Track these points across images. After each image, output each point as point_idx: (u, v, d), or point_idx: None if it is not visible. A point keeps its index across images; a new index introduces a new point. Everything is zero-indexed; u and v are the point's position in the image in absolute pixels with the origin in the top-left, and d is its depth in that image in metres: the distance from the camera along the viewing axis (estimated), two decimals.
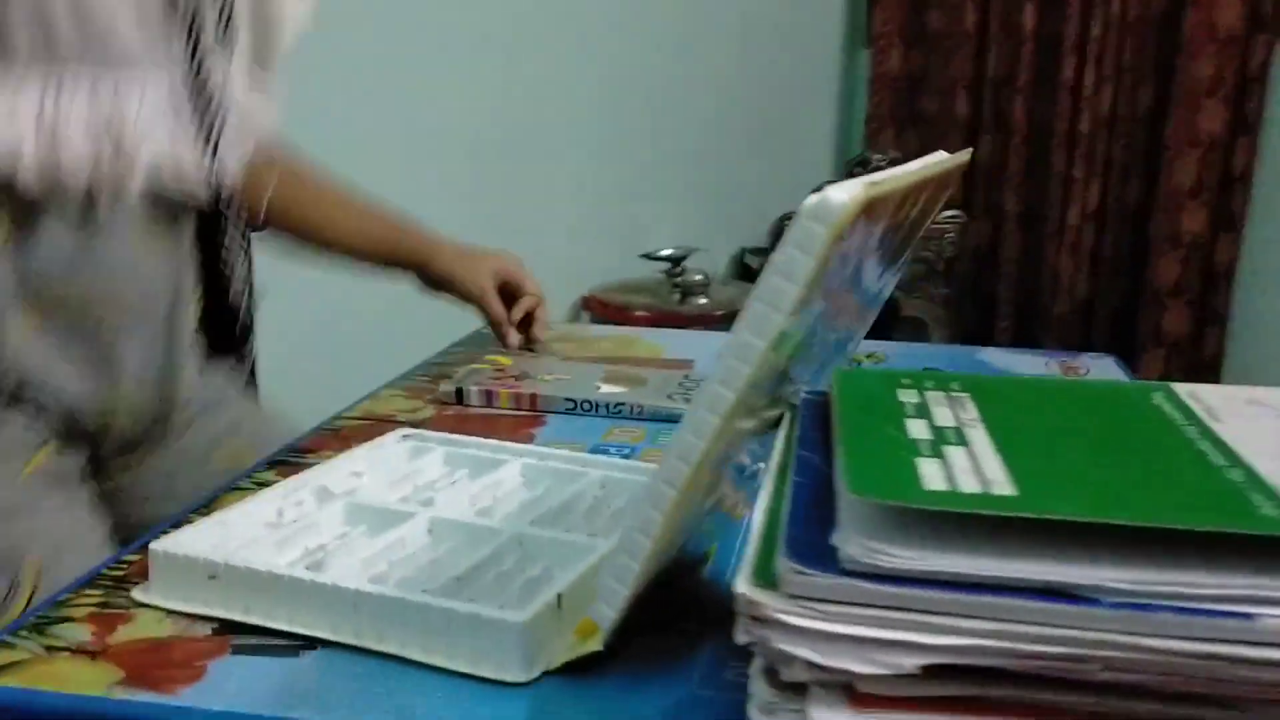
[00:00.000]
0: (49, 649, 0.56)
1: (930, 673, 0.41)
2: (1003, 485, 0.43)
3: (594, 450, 0.85)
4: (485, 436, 0.83)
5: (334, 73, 2.08)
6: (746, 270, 3.01)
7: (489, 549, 0.63)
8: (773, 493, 0.49)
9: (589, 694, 0.53)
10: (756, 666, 0.44)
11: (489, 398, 0.96)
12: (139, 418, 0.91)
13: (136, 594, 0.61)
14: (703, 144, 2.92)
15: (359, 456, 0.76)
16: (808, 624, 0.41)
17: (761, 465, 0.54)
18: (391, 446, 0.79)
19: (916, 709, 0.42)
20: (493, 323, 1.14)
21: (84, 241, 0.83)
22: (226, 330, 1.02)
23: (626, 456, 0.83)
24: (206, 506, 0.73)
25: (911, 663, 0.41)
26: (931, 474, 0.44)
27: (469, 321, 1.21)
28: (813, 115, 3.25)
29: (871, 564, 0.41)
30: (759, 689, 0.44)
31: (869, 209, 0.49)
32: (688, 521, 0.54)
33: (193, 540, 0.63)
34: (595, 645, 0.53)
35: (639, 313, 2.52)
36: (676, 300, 2.59)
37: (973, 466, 0.45)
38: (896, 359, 1.18)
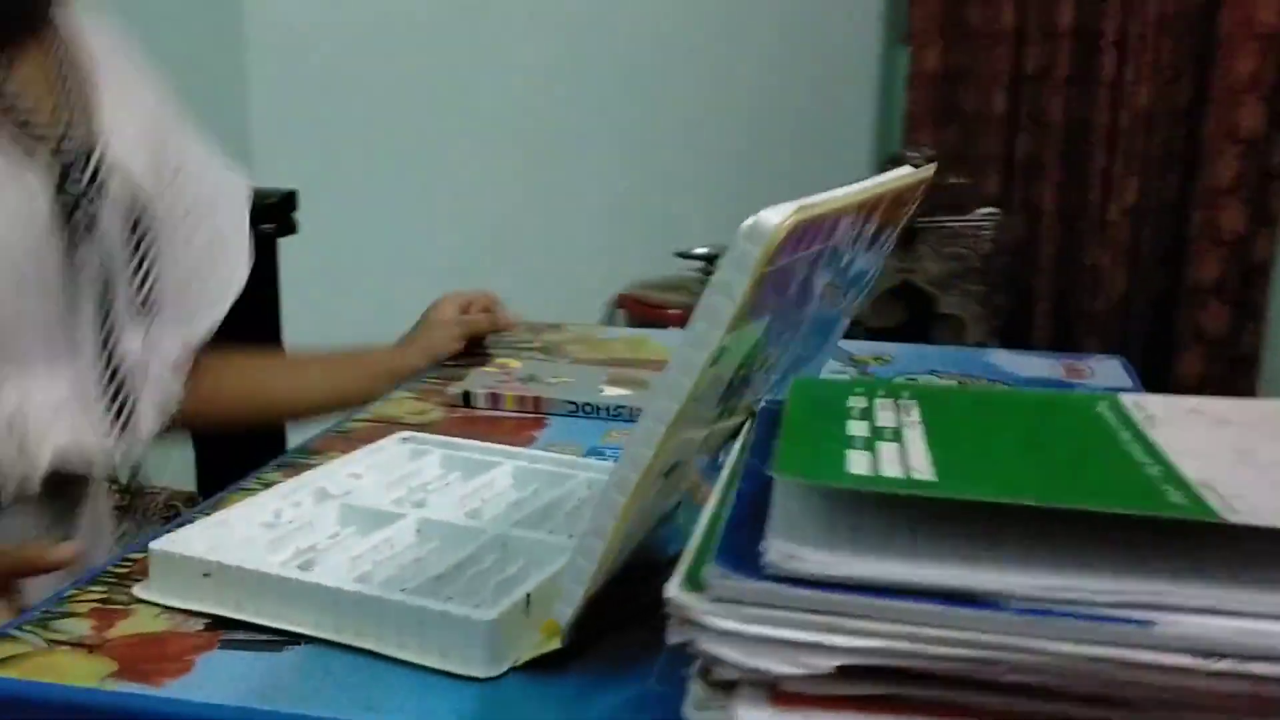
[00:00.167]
0: (50, 642, 0.60)
1: (848, 673, 0.44)
2: (924, 473, 0.46)
3: (590, 452, 0.88)
4: (488, 438, 0.86)
5: (376, 77, 2.13)
6: None
7: (470, 549, 0.66)
8: (718, 499, 0.51)
9: (550, 689, 0.56)
10: (695, 666, 0.47)
11: (495, 400, 1.00)
12: None
13: (137, 590, 0.65)
14: (740, 141, 2.94)
15: (359, 459, 0.80)
16: (731, 626, 0.44)
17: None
18: (391, 449, 0.82)
19: (836, 707, 0.44)
20: (479, 329, 1.18)
21: None
22: None
23: None
24: (212, 507, 0.77)
25: (827, 663, 0.43)
26: (858, 462, 0.46)
27: None
28: (851, 112, 3.26)
29: (790, 569, 0.43)
30: (694, 687, 0.46)
31: (818, 226, 0.52)
32: (645, 521, 0.56)
33: (190, 539, 0.66)
34: (556, 643, 0.56)
35: (673, 311, 2.55)
36: None
37: (900, 458, 0.47)
38: (903, 360, 1.20)
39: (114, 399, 0.93)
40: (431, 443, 0.83)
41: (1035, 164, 2.94)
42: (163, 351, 1.00)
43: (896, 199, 0.61)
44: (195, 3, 1.93)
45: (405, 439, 0.83)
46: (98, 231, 0.91)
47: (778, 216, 0.46)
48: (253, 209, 1.35)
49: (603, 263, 2.62)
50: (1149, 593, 0.42)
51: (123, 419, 0.93)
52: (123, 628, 0.62)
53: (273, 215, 1.37)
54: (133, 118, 0.98)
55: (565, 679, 0.56)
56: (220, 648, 0.59)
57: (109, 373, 0.92)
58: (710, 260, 2.64)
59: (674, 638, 0.45)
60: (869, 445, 0.49)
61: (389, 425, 0.95)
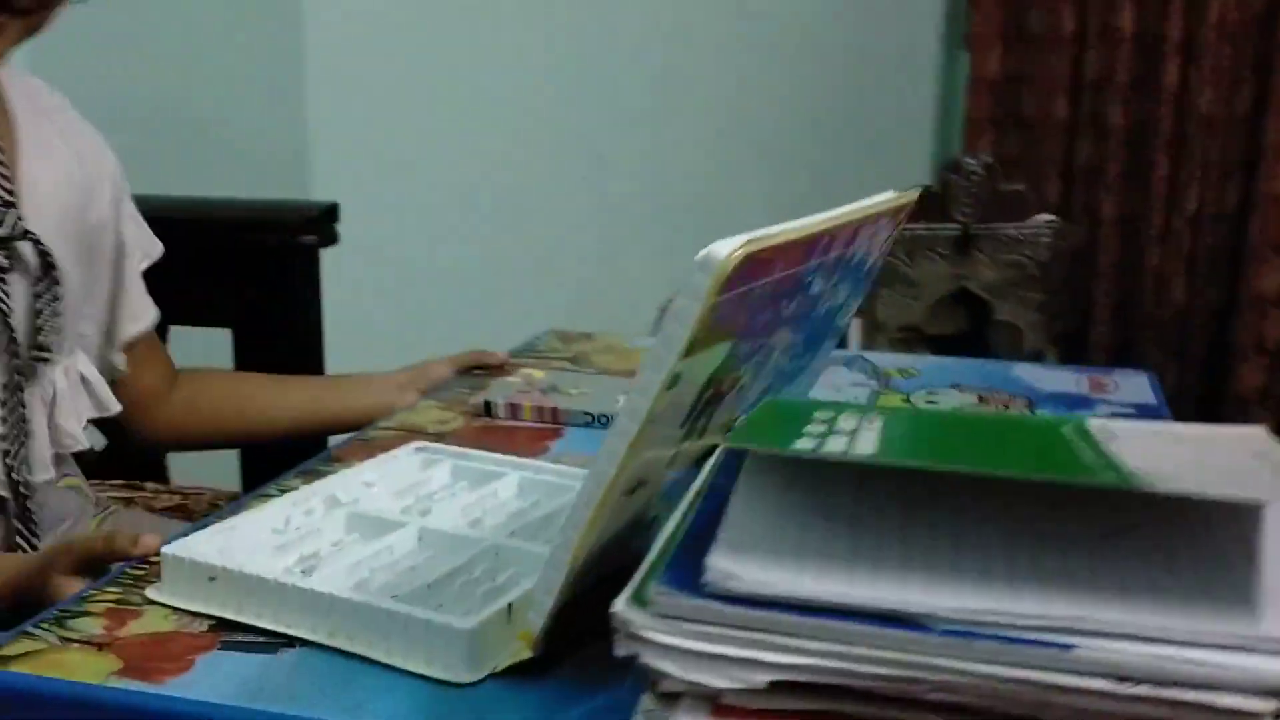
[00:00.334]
0: (64, 640, 0.64)
1: (783, 688, 0.46)
2: (865, 452, 0.48)
3: None
4: (503, 448, 0.89)
5: (431, 91, 2.17)
6: None
7: (465, 558, 0.68)
8: (680, 518, 0.53)
9: (527, 695, 0.58)
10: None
11: (513, 410, 1.02)
12: None
13: (149, 592, 0.68)
14: (796, 147, 2.94)
15: (372, 467, 0.83)
16: (670, 641, 0.46)
17: None
18: (403, 458, 0.85)
19: None
20: (467, 365, 1.20)
21: None
22: None
23: None
24: (232, 512, 0.80)
25: (762, 678, 0.45)
26: (804, 443, 0.48)
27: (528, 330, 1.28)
28: (911, 117, 3.24)
29: (728, 587, 0.45)
30: (644, 698, 0.49)
31: (791, 255, 0.54)
32: (616, 534, 0.58)
33: (201, 544, 0.70)
34: (529, 652, 0.58)
35: None
36: None
37: (846, 446, 0.49)
38: (928, 374, 1.21)
39: (13, 439, 0.99)
40: (443, 452, 0.86)
41: (1096, 170, 2.90)
42: (82, 368, 1.07)
43: (878, 222, 0.63)
44: (255, 18, 1.99)
45: (418, 449, 0.86)
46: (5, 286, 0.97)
47: (727, 249, 0.48)
48: (296, 221, 1.40)
49: (651, 273, 2.64)
50: (1070, 617, 0.43)
51: (16, 460, 0.99)
52: (132, 628, 0.65)
53: (314, 228, 1.41)
54: (48, 176, 1.04)
55: (541, 685, 0.59)
56: (220, 649, 0.63)
57: (11, 412, 0.98)
58: None
59: (620, 651, 0.47)
60: (820, 436, 0.51)
61: (411, 434, 0.98)
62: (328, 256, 1.58)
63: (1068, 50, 2.90)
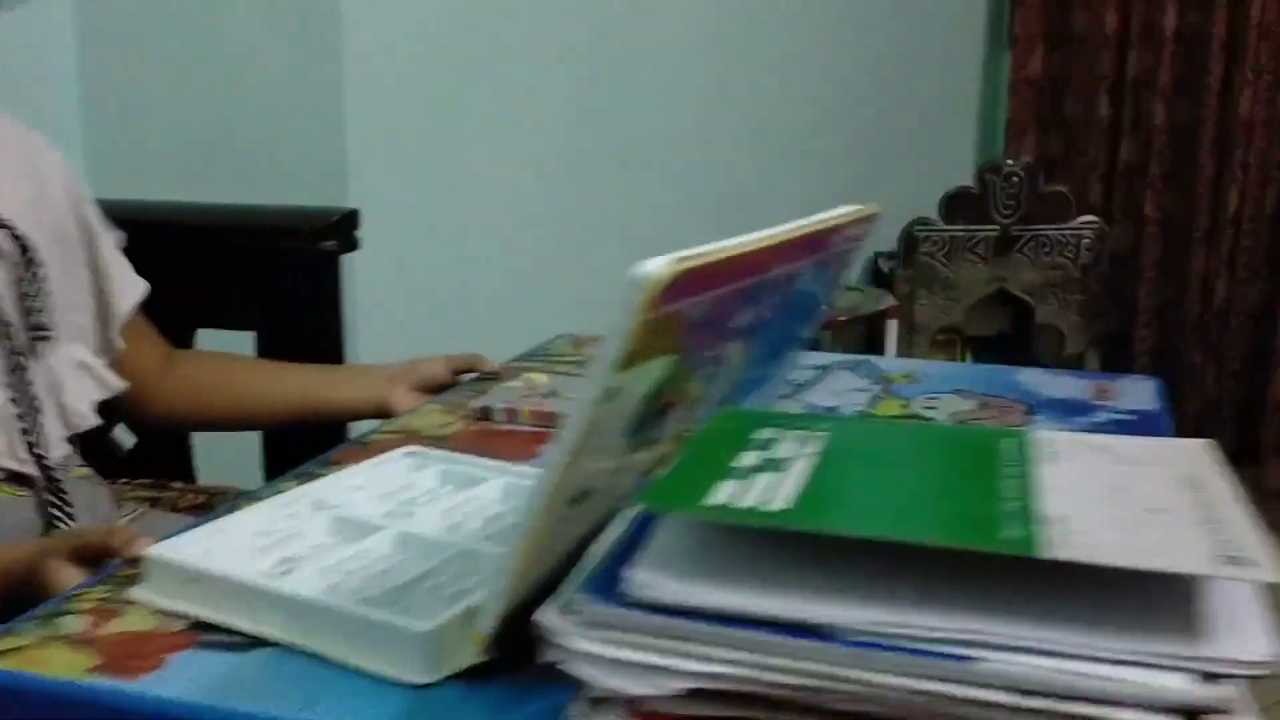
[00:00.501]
0: (48, 638, 0.66)
1: (700, 694, 0.47)
2: (780, 505, 0.49)
3: None
4: (501, 452, 0.91)
5: (465, 99, 2.21)
6: (881, 275, 3.01)
7: (436, 561, 0.70)
8: (620, 529, 0.55)
9: (480, 696, 0.60)
10: None
11: (512, 415, 1.04)
12: None
13: (131, 592, 0.71)
14: (837, 149, 2.94)
15: (361, 471, 0.85)
16: (589, 648, 0.47)
17: None
18: (393, 462, 0.87)
19: None
20: (462, 368, 1.22)
21: None
22: None
23: None
24: (225, 514, 0.83)
25: (678, 685, 0.47)
26: (722, 493, 0.50)
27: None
28: (954, 118, 3.22)
29: (647, 597, 0.47)
30: (575, 703, 0.50)
31: (731, 272, 0.55)
32: (566, 542, 0.60)
33: (185, 545, 0.72)
34: (481, 655, 0.60)
35: None
36: None
37: (768, 489, 0.50)
38: (932, 379, 1.21)
39: (25, 414, 1.03)
40: (432, 457, 0.88)
41: (1139, 171, 2.88)
42: (79, 354, 1.12)
43: (833, 237, 0.64)
44: (296, 38, 2.03)
45: (408, 453, 0.88)
46: None
47: (657, 267, 0.50)
48: (316, 228, 1.43)
49: None
50: (971, 630, 0.44)
51: (34, 434, 1.03)
52: (114, 626, 0.68)
53: (335, 234, 1.44)
54: (4, 171, 1.10)
55: (496, 686, 0.61)
56: (194, 648, 0.65)
57: (22, 393, 1.03)
58: None
59: (543, 657, 0.49)
60: (746, 475, 0.52)
61: (409, 437, 1.00)
62: (363, 261, 1.62)
63: (1110, 50, 2.88)
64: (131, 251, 1.24)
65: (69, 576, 0.79)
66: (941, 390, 1.17)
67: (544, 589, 0.60)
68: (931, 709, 0.44)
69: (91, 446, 1.25)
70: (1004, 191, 2.76)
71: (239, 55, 2.05)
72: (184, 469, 1.49)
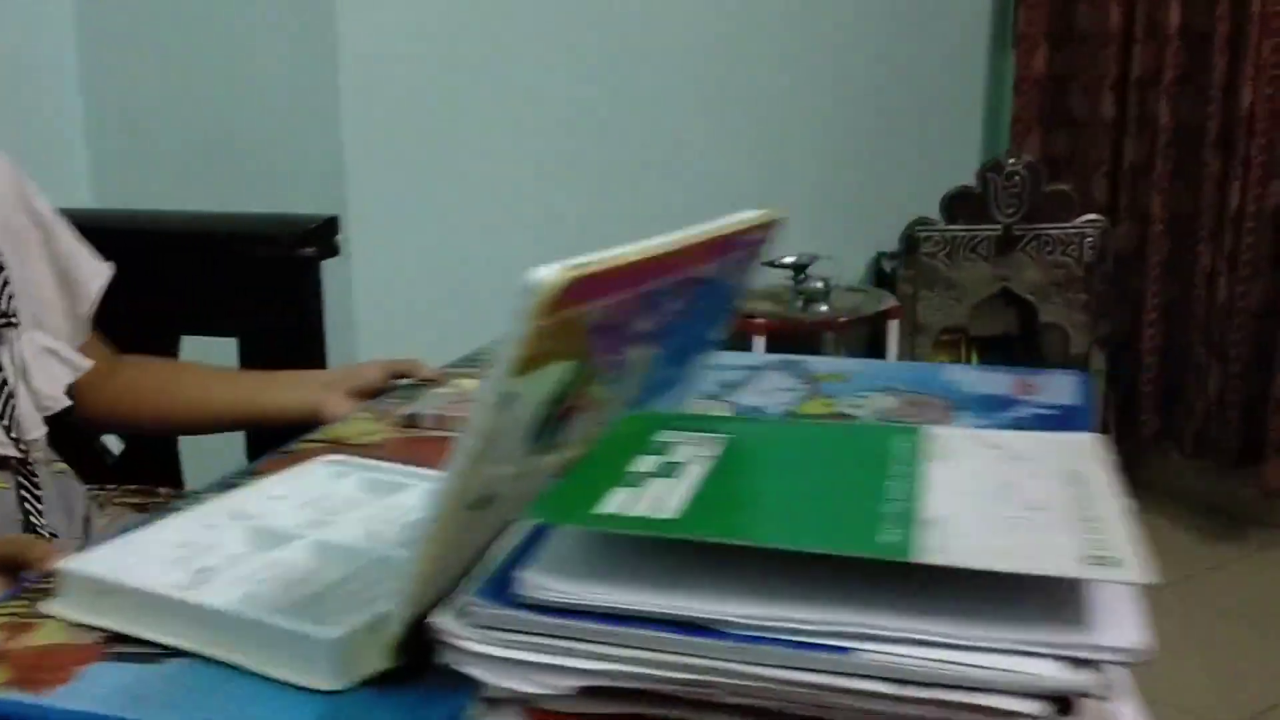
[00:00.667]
0: None
1: (592, 692, 0.48)
2: (669, 512, 0.50)
3: None
4: (429, 460, 0.91)
5: (463, 101, 2.23)
6: (883, 276, 3.01)
7: (351, 569, 0.71)
8: (524, 532, 0.56)
9: (389, 702, 0.60)
10: None
11: (440, 422, 1.05)
12: None
13: (45, 605, 0.71)
14: (842, 148, 2.92)
15: (282, 480, 0.85)
16: (481, 649, 0.48)
17: None
18: (314, 471, 0.87)
19: None
20: (397, 373, 1.23)
21: None
22: None
23: None
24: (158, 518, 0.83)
25: (567, 684, 0.47)
26: (613, 501, 0.50)
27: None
28: (958, 117, 3.19)
29: (536, 597, 0.48)
30: (474, 703, 0.51)
31: (627, 278, 0.56)
32: (472, 549, 0.61)
33: (101, 558, 0.72)
34: (390, 661, 0.61)
35: (759, 320, 2.58)
36: (799, 307, 2.64)
37: (660, 496, 0.51)
38: (860, 377, 1.23)
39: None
40: (353, 465, 0.88)
41: (1144, 169, 2.85)
42: (43, 341, 1.14)
43: (736, 241, 0.65)
44: (292, 45, 2.05)
45: (330, 462, 0.89)
46: None
47: (549, 273, 0.51)
48: (296, 234, 1.46)
49: None
50: (849, 623, 0.45)
51: (8, 416, 1.06)
52: (26, 640, 0.68)
53: (314, 240, 1.45)
54: None
55: (405, 692, 0.61)
56: (104, 660, 0.65)
57: None
58: (798, 270, 2.65)
59: (438, 659, 0.49)
60: (638, 482, 0.53)
61: (335, 446, 1.00)
62: (362, 263, 1.63)
63: (1114, 48, 2.85)
64: (115, 259, 1.27)
65: None
66: (870, 389, 1.18)
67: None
68: (814, 700, 0.45)
69: (80, 452, 1.27)
70: (1006, 190, 2.76)
71: (237, 59, 2.09)
72: (172, 475, 1.49)
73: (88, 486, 1.22)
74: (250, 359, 1.46)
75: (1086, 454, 0.58)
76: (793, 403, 1.14)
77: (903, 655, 0.44)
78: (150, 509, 1.31)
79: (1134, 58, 2.82)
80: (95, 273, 1.23)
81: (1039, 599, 0.46)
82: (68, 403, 1.14)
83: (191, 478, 1.49)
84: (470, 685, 0.61)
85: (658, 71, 2.53)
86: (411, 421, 1.06)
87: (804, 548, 0.46)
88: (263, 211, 1.67)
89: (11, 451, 1.06)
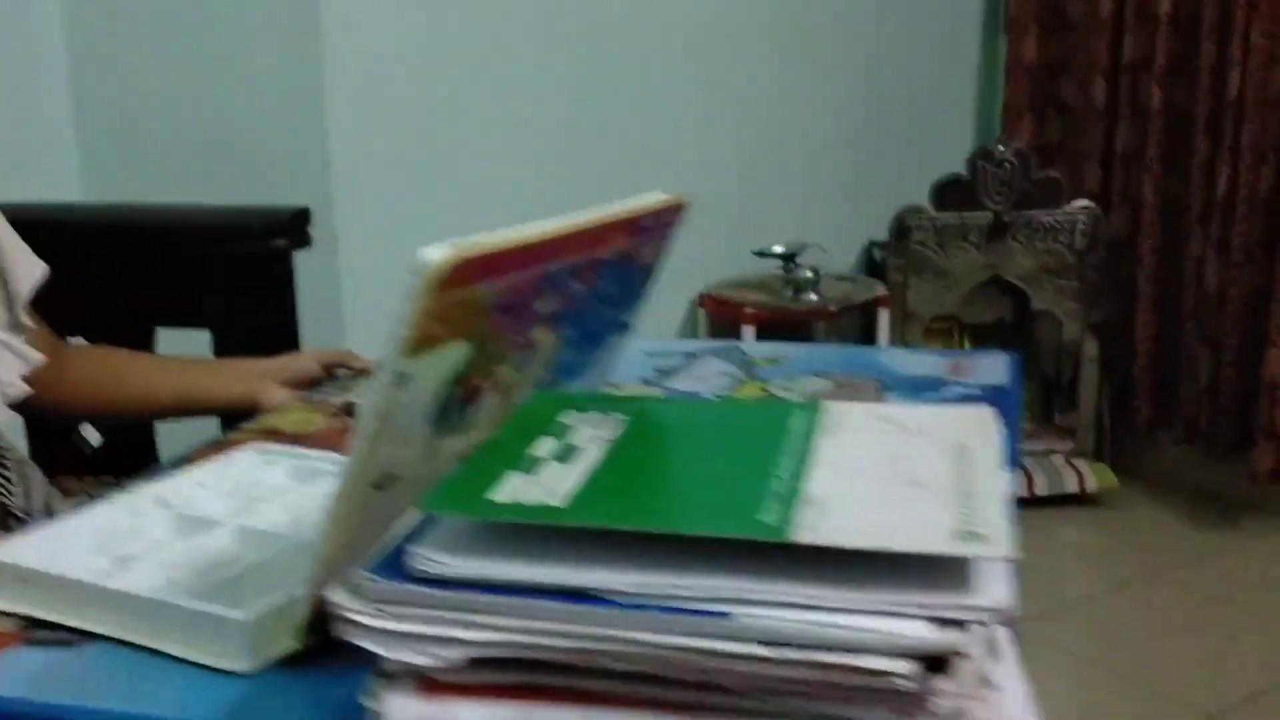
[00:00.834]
0: None
1: (484, 663, 0.49)
2: (560, 498, 0.51)
3: None
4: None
5: (448, 95, 2.24)
6: (874, 264, 3.01)
7: (271, 553, 0.72)
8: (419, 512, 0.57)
9: (301, 681, 0.62)
10: None
11: None
12: None
13: None
14: (835, 136, 2.92)
15: (208, 469, 0.86)
16: (374, 623, 0.49)
17: None
18: (241, 459, 0.88)
19: (474, 694, 0.49)
20: (332, 363, 1.24)
21: None
22: None
23: None
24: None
25: (459, 655, 0.48)
26: (506, 487, 0.52)
27: None
28: (950, 105, 3.19)
29: (425, 571, 0.49)
30: (371, 678, 0.52)
31: (520, 259, 0.57)
32: (380, 527, 0.62)
33: (24, 545, 0.73)
34: (300, 642, 0.62)
35: (750, 310, 2.59)
36: (789, 297, 2.65)
37: (552, 482, 0.52)
38: (795, 361, 1.24)
39: None
40: (280, 453, 0.89)
41: (1136, 155, 2.86)
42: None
43: (643, 222, 0.66)
44: (276, 28, 2.06)
45: (258, 450, 0.90)
46: None
47: (435, 254, 0.52)
48: (268, 226, 1.46)
49: (683, 262, 2.65)
50: (728, 589, 0.47)
51: None
52: None
53: (285, 232, 1.45)
54: None
55: (317, 671, 0.62)
56: (22, 645, 0.66)
57: None
58: (788, 259, 2.65)
59: (334, 633, 0.50)
60: (534, 466, 0.54)
61: (269, 436, 1.01)
62: (352, 258, 1.62)
63: (1106, 34, 2.86)
64: (87, 253, 1.26)
65: None
66: (803, 372, 1.20)
67: None
68: (696, 664, 0.46)
69: (58, 443, 1.30)
70: (996, 178, 2.77)
71: (225, 55, 2.11)
72: (150, 465, 1.49)
73: (60, 476, 1.22)
74: (225, 351, 1.47)
75: (978, 428, 0.59)
76: (727, 388, 1.15)
77: (780, 618, 0.45)
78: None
79: (1125, 44, 2.83)
80: (30, 272, 1.23)
81: (918, 565, 0.48)
82: (25, 390, 1.14)
83: None
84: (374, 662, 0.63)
85: (646, 60, 2.54)
86: (346, 411, 1.06)
87: (684, 530, 0.47)
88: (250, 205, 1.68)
89: None
